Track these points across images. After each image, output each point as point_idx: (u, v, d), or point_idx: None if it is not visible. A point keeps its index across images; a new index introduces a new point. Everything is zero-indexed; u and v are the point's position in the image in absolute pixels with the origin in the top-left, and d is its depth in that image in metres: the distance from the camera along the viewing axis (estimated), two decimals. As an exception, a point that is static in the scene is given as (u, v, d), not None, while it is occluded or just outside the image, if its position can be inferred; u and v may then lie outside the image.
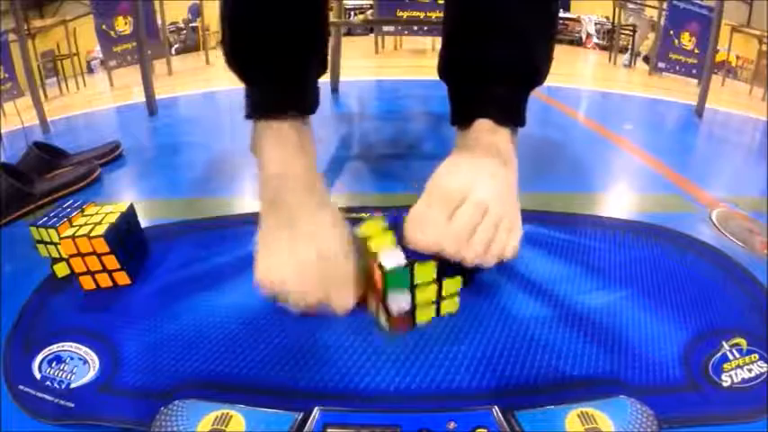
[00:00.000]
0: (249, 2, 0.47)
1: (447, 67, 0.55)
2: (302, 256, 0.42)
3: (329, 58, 0.56)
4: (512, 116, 0.51)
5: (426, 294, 0.40)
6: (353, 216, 0.56)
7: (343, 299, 0.42)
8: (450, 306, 0.43)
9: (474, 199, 0.43)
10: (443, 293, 0.41)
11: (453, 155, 0.50)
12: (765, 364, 0.38)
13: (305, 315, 0.42)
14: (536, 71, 0.52)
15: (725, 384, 0.37)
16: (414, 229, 0.41)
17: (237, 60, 0.51)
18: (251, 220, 0.62)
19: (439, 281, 0.40)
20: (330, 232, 0.45)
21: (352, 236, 0.45)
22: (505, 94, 0.51)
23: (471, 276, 0.47)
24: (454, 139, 0.53)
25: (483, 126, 0.49)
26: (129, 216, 0.51)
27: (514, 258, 0.44)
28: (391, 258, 0.38)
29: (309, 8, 0.49)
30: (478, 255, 0.41)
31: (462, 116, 0.52)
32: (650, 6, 3.81)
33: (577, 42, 5.62)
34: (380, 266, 0.38)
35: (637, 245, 0.55)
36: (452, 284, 0.41)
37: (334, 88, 1.43)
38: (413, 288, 0.39)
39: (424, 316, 0.42)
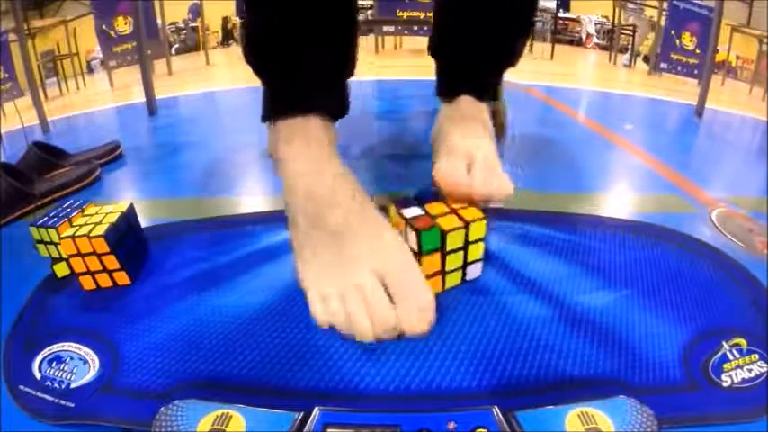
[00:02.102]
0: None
1: (437, 48, 0.65)
2: (365, 283, 0.38)
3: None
4: (488, 94, 0.62)
5: (454, 262, 0.45)
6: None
7: (423, 323, 0.37)
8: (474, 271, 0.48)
9: (482, 157, 0.51)
10: (468, 259, 0.46)
11: (454, 127, 0.57)
12: (765, 364, 0.38)
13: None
14: (512, 58, 0.63)
15: (725, 384, 0.37)
16: (446, 178, 0.48)
17: (258, 60, 0.49)
18: (251, 221, 0.62)
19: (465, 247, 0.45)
20: (387, 243, 0.41)
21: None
22: (485, 76, 0.62)
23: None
24: (441, 107, 0.62)
25: (466, 101, 0.59)
26: (129, 216, 0.51)
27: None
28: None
29: (334, 6, 0.48)
30: (503, 194, 0.48)
31: (448, 91, 0.61)
32: (650, 6, 3.81)
33: (577, 42, 5.62)
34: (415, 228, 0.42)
35: (637, 245, 0.55)
36: (476, 249, 0.46)
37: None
38: (443, 253, 0.43)
39: (453, 280, 0.46)
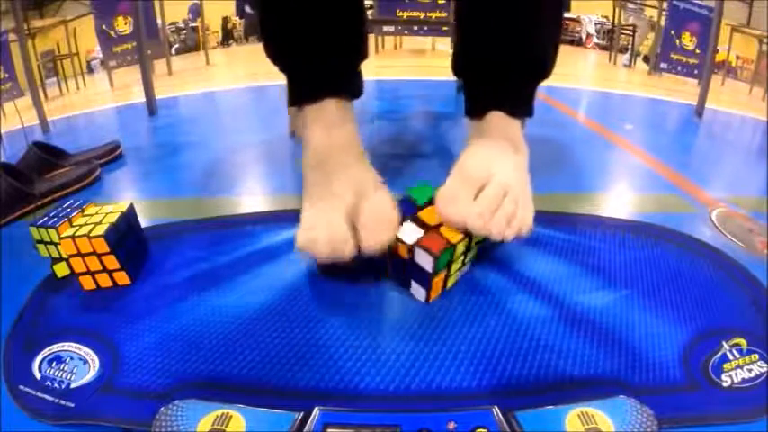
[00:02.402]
0: None
1: (461, 66, 0.60)
2: (334, 215, 0.45)
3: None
4: (521, 109, 0.57)
5: (456, 265, 0.45)
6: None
7: (378, 237, 0.44)
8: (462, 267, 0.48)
9: (496, 181, 0.47)
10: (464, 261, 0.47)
11: (473, 143, 0.54)
12: (765, 364, 0.38)
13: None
14: (543, 68, 0.57)
15: (725, 384, 0.37)
16: (445, 206, 0.44)
17: (276, 52, 0.56)
18: (251, 221, 0.62)
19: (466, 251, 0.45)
20: (363, 186, 0.48)
21: None
22: (515, 89, 0.56)
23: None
24: (468, 130, 0.57)
25: (495, 117, 0.54)
26: (129, 216, 0.51)
27: (529, 234, 0.47)
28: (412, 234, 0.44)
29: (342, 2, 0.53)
30: (501, 229, 0.44)
31: (477, 109, 0.56)
32: (650, 6, 3.81)
33: (577, 42, 5.62)
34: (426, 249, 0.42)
35: (637, 245, 0.55)
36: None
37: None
38: (450, 262, 0.44)
39: (451, 280, 0.46)
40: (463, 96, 0.60)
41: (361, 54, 0.58)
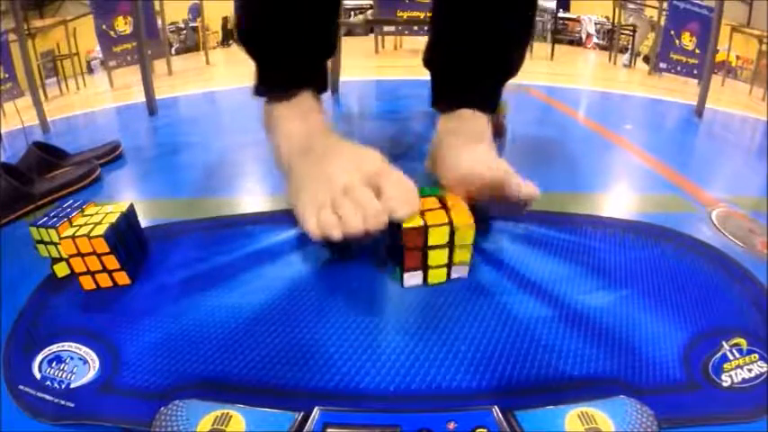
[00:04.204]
0: None
1: (433, 60, 0.63)
2: (351, 182, 0.44)
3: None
4: (489, 105, 0.60)
5: (439, 258, 0.45)
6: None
7: (407, 208, 0.43)
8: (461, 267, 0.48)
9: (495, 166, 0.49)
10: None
11: (450, 141, 0.56)
12: (765, 364, 0.38)
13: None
14: (511, 67, 0.61)
15: (725, 384, 0.37)
16: (470, 169, 0.48)
17: (251, 42, 0.57)
18: (251, 221, 0.62)
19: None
20: (365, 154, 0.48)
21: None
22: (485, 87, 0.60)
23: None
24: (439, 121, 0.60)
25: (465, 114, 0.58)
26: (129, 216, 0.51)
27: (536, 198, 0.48)
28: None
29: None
30: (518, 181, 0.46)
31: (446, 104, 0.60)
32: (650, 6, 3.81)
33: (577, 42, 5.62)
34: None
35: (637, 245, 0.55)
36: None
37: (335, 88, 1.42)
38: (425, 248, 0.44)
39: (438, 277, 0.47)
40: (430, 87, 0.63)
41: (334, 50, 0.61)
